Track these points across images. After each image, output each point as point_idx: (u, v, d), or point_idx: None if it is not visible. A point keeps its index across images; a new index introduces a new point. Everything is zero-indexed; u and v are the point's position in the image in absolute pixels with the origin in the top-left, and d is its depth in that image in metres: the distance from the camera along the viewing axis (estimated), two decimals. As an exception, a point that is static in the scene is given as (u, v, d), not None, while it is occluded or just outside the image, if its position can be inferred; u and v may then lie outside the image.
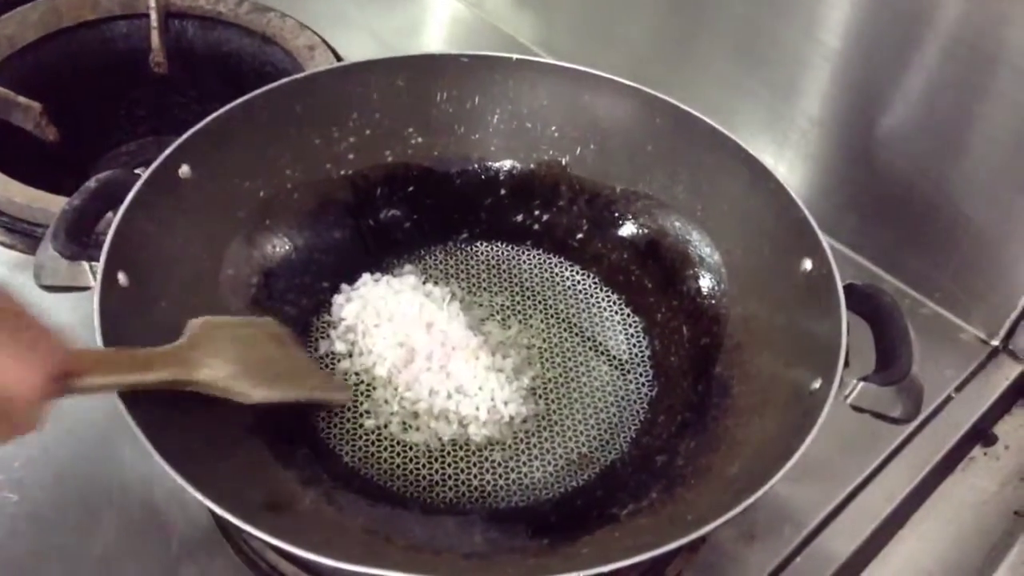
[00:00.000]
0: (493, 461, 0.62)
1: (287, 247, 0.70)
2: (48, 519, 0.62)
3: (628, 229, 0.74)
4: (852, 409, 0.54)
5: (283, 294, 0.69)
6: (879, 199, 0.80)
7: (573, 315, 0.71)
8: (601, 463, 0.63)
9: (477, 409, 0.64)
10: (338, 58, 0.90)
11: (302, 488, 0.58)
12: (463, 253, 0.75)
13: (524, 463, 0.62)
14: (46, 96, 0.87)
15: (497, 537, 0.58)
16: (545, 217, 0.76)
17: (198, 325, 0.57)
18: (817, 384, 0.55)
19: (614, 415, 0.66)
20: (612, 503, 0.59)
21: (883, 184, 0.79)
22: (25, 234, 0.77)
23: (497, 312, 0.71)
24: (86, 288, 0.56)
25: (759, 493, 0.49)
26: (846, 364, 0.55)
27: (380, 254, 0.73)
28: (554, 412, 0.65)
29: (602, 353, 0.69)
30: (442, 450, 0.63)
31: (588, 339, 0.70)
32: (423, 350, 0.65)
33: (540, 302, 0.72)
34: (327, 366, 0.67)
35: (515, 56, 0.73)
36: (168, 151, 0.62)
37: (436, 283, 0.71)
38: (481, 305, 0.71)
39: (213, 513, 0.61)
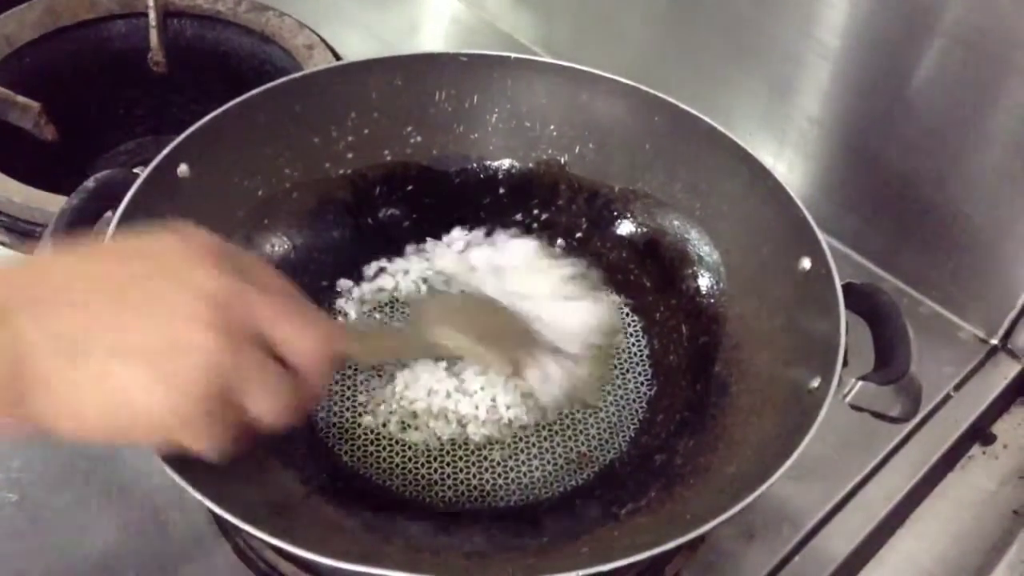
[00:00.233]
0: (492, 460, 0.62)
1: (286, 246, 0.70)
2: (48, 519, 0.62)
3: (627, 228, 0.74)
4: (851, 408, 0.54)
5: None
6: (878, 198, 0.80)
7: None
8: (600, 462, 0.63)
9: (476, 408, 0.64)
10: (337, 57, 0.90)
11: (301, 487, 0.58)
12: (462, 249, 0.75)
13: (523, 462, 0.62)
14: (44, 95, 0.87)
15: (496, 536, 0.58)
16: (544, 216, 0.76)
17: (429, 304, 0.64)
18: (816, 383, 0.55)
19: (613, 414, 0.66)
20: (611, 502, 0.59)
21: (882, 183, 0.79)
22: (24, 233, 0.77)
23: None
24: (85, 288, 0.56)
25: (758, 492, 0.49)
26: (845, 363, 0.55)
27: (379, 253, 0.73)
28: (552, 410, 0.65)
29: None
30: (441, 449, 0.63)
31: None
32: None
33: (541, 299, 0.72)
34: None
35: (514, 55, 0.73)
36: (167, 150, 0.62)
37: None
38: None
39: (212, 512, 0.61)
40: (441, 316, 0.60)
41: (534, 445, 0.63)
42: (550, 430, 0.64)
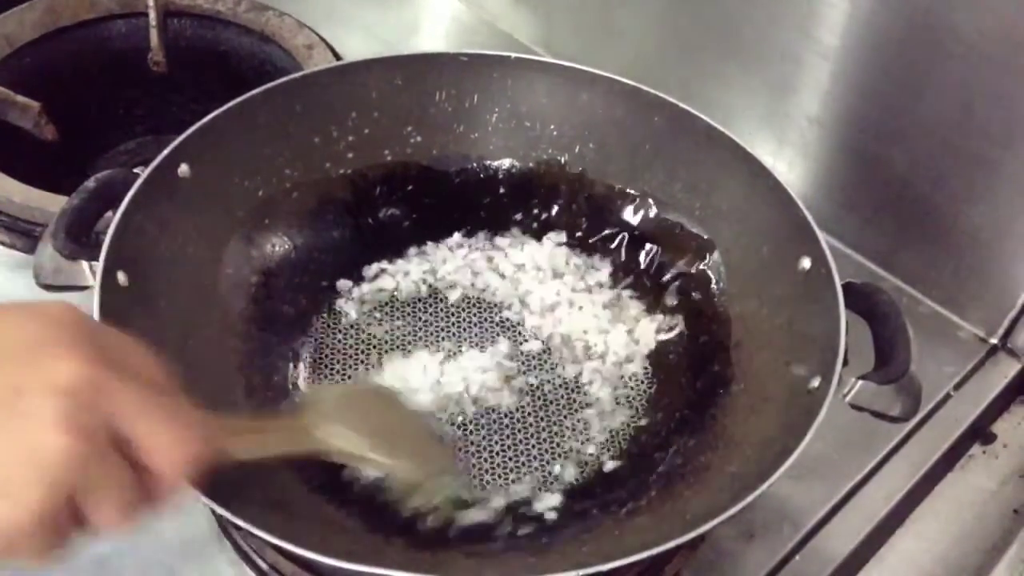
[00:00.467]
0: (492, 459, 0.62)
1: (286, 246, 0.70)
2: (48, 518, 0.62)
3: (627, 227, 0.74)
4: (851, 407, 0.55)
5: (282, 293, 0.69)
6: (878, 198, 0.80)
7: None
8: (600, 461, 0.63)
9: (476, 407, 0.64)
10: (337, 57, 0.90)
11: (302, 487, 0.58)
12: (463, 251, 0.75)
13: (523, 462, 0.62)
14: (45, 95, 0.87)
15: (497, 536, 0.58)
16: (544, 216, 0.76)
17: (318, 395, 0.58)
18: (816, 382, 0.55)
19: (613, 413, 0.66)
20: (611, 501, 0.59)
21: (882, 183, 0.79)
22: (24, 233, 0.77)
23: (498, 311, 0.71)
24: (86, 287, 0.56)
25: (758, 492, 0.49)
26: (845, 362, 0.55)
27: (380, 254, 0.73)
28: (553, 410, 0.65)
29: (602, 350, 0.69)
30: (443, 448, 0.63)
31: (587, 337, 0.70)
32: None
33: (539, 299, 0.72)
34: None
35: (514, 55, 0.73)
36: (167, 150, 0.62)
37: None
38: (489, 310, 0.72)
39: (213, 512, 0.61)
40: (334, 410, 0.53)
41: (534, 444, 0.63)
42: (550, 430, 0.64)
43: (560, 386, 0.67)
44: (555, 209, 0.75)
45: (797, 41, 0.77)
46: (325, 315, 0.70)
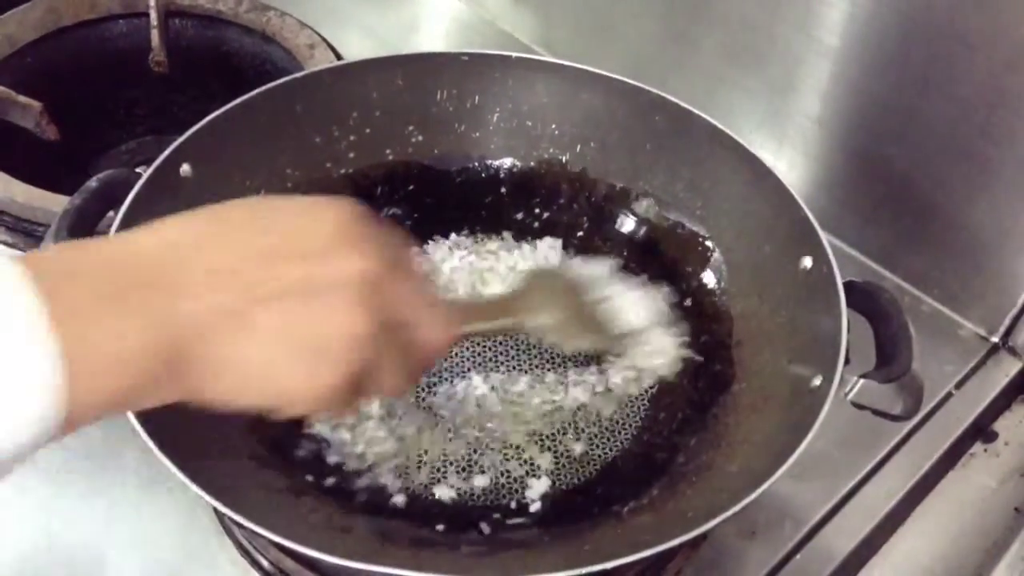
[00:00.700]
0: (493, 458, 0.62)
1: (288, 246, 0.70)
2: (50, 519, 0.62)
3: (628, 227, 0.74)
4: (852, 406, 0.54)
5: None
6: (879, 196, 0.80)
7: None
8: (602, 460, 0.63)
9: (477, 407, 0.64)
10: (338, 57, 0.90)
11: (304, 486, 0.58)
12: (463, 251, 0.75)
13: (524, 460, 0.63)
14: (46, 95, 0.87)
15: (498, 535, 0.58)
16: (545, 215, 0.76)
17: (525, 281, 0.63)
18: (817, 381, 0.56)
19: (614, 411, 0.66)
20: (613, 500, 0.60)
21: (882, 181, 0.79)
22: (27, 233, 0.77)
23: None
24: (88, 287, 0.56)
25: (760, 490, 0.49)
26: (846, 361, 0.55)
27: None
28: (555, 409, 0.65)
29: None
30: (442, 448, 0.63)
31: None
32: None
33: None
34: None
35: (515, 54, 0.74)
36: (169, 150, 0.62)
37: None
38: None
39: (216, 510, 0.61)
40: (537, 294, 0.61)
41: (535, 443, 0.63)
42: (552, 427, 0.64)
43: (561, 384, 0.67)
44: (556, 208, 0.76)
45: (798, 41, 0.77)
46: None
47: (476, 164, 0.76)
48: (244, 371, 0.40)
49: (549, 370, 0.67)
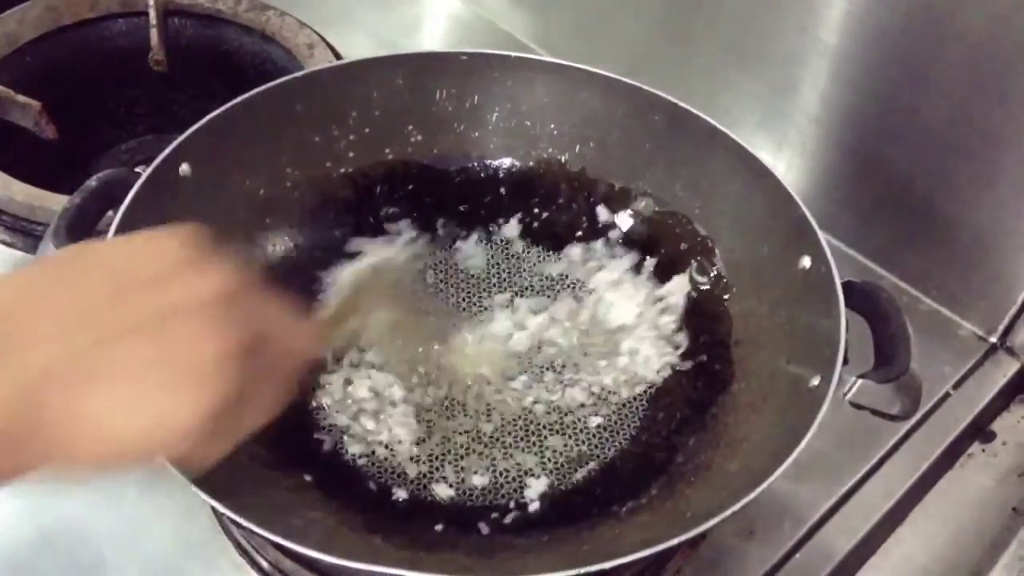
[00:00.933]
0: (493, 458, 0.63)
1: (288, 245, 0.70)
2: (48, 519, 0.62)
3: (627, 226, 0.74)
4: (851, 406, 0.55)
5: (284, 292, 0.69)
6: (877, 196, 0.80)
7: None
8: (600, 460, 0.63)
9: (478, 406, 0.64)
10: (337, 56, 0.90)
11: (303, 485, 0.58)
12: (464, 250, 0.75)
13: (524, 460, 0.63)
14: (45, 94, 0.87)
15: (498, 534, 0.58)
16: (544, 215, 0.76)
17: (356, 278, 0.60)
18: (816, 381, 0.56)
19: (613, 411, 0.66)
20: (612, 500, 0.60)
21: (881, 181, 0.79)
22: (26, 233, 0.77)
23: (496, 308, 0.71)
24: (87, 287, 0.56)
25: (759, 490, 0.49)
26: (845, 361, 0.55)
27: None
28: (553, 408, 0.65)
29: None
30: (442, 447, 0.63)
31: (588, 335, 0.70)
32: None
33: (539, 299, 0.72)
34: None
35: (514, 54, 0.74)
36: (168, 150, 0.62)
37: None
38: (481, 301, 0.72)
39: (214, 511, 0.61)
40: (369, 295, 0.60)
41: (535, 443, 0.64)
42: (551, 427, 0.64)
43: (560, 384, 0.67)
44: (555, 208, 0.76)
45: (797, 40, 0.77)
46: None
47: (475, 164, 0.76)
48: (106, 419, 0.37)
49: (547, 369, 0.67)
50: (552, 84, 0.73)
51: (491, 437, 0.63)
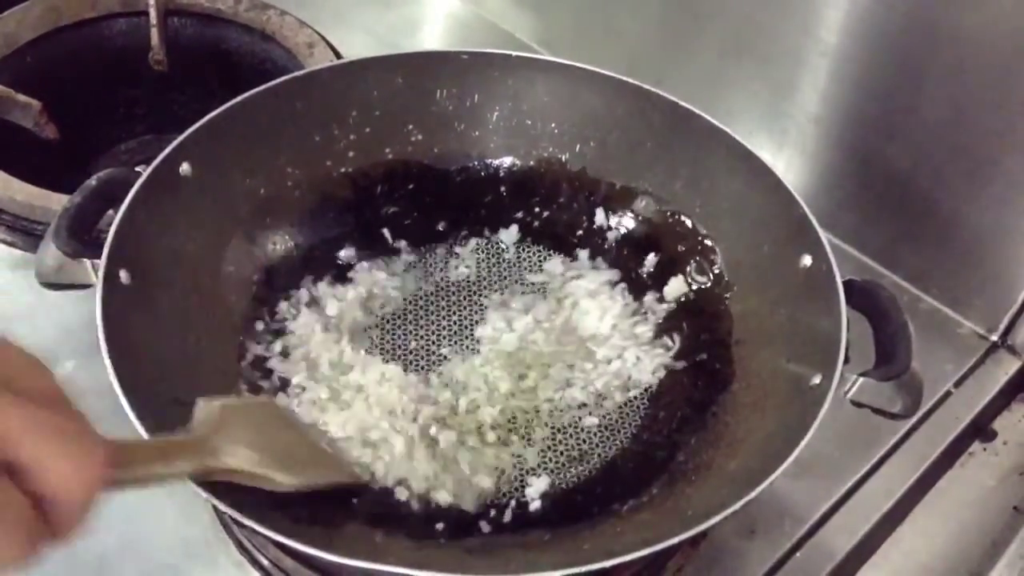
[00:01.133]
0: (493, 457, 0.63)
1: (288, 245, 0.70)
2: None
3: (628, 225, 0.74)
4: (852, 404, 0.55)
5: (284, 291, 0.69)
6: (878, 195, 0.80)
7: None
8: (602, 458, 0.63)
9: (477, 406, 0.64)
10: (337, 56, 0.90)
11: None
12: (464, 250, 0.75)
13: (524, 459, 0.63)
14: (46, 94, 0.87)
15: (498, 532, 0.58)
16: (545, 214, 0.76)
17: (215, 411, 0.49)
18: (817, 380, 0.56)
19: (614, 411, 0.66)
20: (613, 498, 0.60)
21: (882, 180, 0.79)
22: (26, 232, 0.77)
23: (497, 308, 0.71)
24: (88, 286, 0.56)
25: (760, 488, 0.49)
26: (846, 360, 0.55)
27: (380, 251, 0.73)
28: (554, 408, 0.65)
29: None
30: (442, 447, 0.63)
31: (588, 335, 0.70)
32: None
33: (539, 298, 0.72)
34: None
35: (515, 53, 0.74)
36: (168, 149, 0.62)
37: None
38: (481, 300, 0.72)
39: (215, 509, 0.61)
40: (231, 428, 0.49)
41: (535, 442, 0.64)
42: (551, 427, 0.64)
43: (560, 383, 0.67)
44: (556, 207, 0.76)
45: (797, 40, 0.77)
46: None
47: (476, 163, 0.76)
48: None
49: (547, 370, 0.67)
50: (552, 83, 0.73)
51: (492, 436, 0.63)
